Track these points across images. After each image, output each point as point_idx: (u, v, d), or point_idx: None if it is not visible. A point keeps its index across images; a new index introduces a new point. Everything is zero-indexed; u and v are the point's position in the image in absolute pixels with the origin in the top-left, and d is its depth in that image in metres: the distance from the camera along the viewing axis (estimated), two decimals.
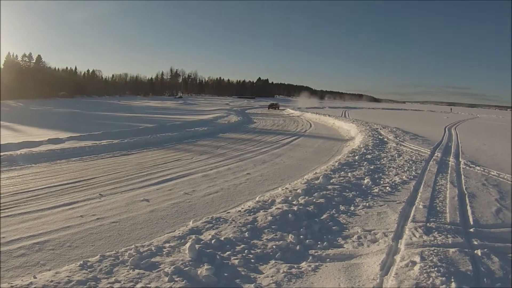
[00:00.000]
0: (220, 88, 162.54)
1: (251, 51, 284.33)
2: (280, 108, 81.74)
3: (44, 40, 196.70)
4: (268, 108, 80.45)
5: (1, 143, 18.45)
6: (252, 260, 6.64)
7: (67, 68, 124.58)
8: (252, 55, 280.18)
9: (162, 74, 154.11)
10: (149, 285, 5.58)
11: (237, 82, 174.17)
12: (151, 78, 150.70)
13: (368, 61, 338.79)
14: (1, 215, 9.66)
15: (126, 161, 16.52)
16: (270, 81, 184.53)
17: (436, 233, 7.73)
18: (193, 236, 7.30)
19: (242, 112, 53.64)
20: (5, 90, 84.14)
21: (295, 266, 6.48)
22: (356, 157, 16.34)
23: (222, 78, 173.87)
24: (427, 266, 6.14)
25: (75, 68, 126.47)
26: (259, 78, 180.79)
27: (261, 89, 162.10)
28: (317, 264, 6.62)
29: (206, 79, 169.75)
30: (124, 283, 5.64)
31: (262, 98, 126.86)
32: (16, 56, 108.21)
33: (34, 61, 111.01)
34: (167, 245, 6.99)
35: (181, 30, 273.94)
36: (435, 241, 7.31)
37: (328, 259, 6.82)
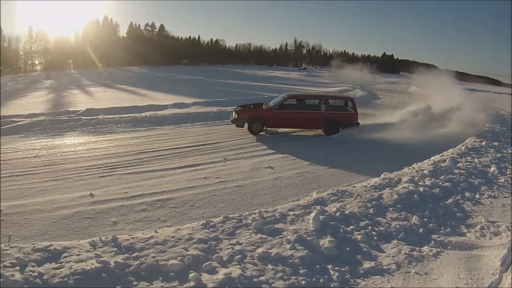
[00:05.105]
0: (343, 61, 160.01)
1: (378, 25, 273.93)
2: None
3: (168, 11, 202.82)
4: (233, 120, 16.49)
5: (129, 105, 19.53)
6: (375, 238, 6.61)
7: (190, 37, 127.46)
8: (379, 30, 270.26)
9: (286, 45, 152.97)
10: (270, 250, 5.73)
11: (362, 56, 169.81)
12: (275, 48, 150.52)
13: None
14: (127, 172, 10.41)
15: None
16: (395, 57, 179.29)
17: None
18: (318, 207, 7.32)
19: (367, 86, 52.27)
20: (128, 56, 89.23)
21: (417, 249, 6.36)
22: (483, 143, 15.66)
23: (346, 52, 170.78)
24: None
25: (198, 38, 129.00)
26: (384, 53, 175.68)
27: (385, 65, 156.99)
28: (438, 249, 6.43)
29: (331, 51, 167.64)
30: (245, 245, 5.86)
31: (386, 74, 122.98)
32: (139, 25, 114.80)
33: (157, 30, 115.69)
34: (291, 213, 7.08)
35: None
36: None
37: (449, 246, 6.60)
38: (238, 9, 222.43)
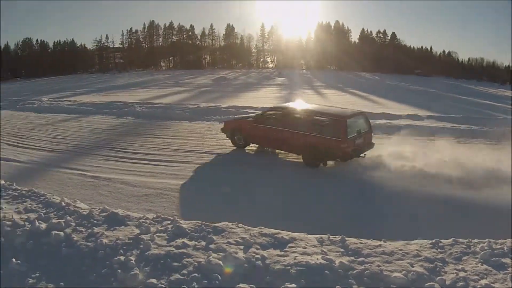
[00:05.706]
0: None
1: None
2: None
3: (399, 18, 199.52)
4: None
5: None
6: None
7: (422, 47, 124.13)
8: None
9: None
10: (492, 284, 5.52)
11: None
12: (509, 65, 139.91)
13: None
14: None
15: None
16: None
17: None
18: None
19: None
20: (359, 62, 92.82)
21: None
22: None
23: None
24: None
25: (430, 48, 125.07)
26: None
27: None
28: None
29: None
30: (469, 274, 5.73)
31: None
32: (371, 32, 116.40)
33: (388, 38, 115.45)
34: None
35: None
36: None
37: None
38: (469, 20, 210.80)
